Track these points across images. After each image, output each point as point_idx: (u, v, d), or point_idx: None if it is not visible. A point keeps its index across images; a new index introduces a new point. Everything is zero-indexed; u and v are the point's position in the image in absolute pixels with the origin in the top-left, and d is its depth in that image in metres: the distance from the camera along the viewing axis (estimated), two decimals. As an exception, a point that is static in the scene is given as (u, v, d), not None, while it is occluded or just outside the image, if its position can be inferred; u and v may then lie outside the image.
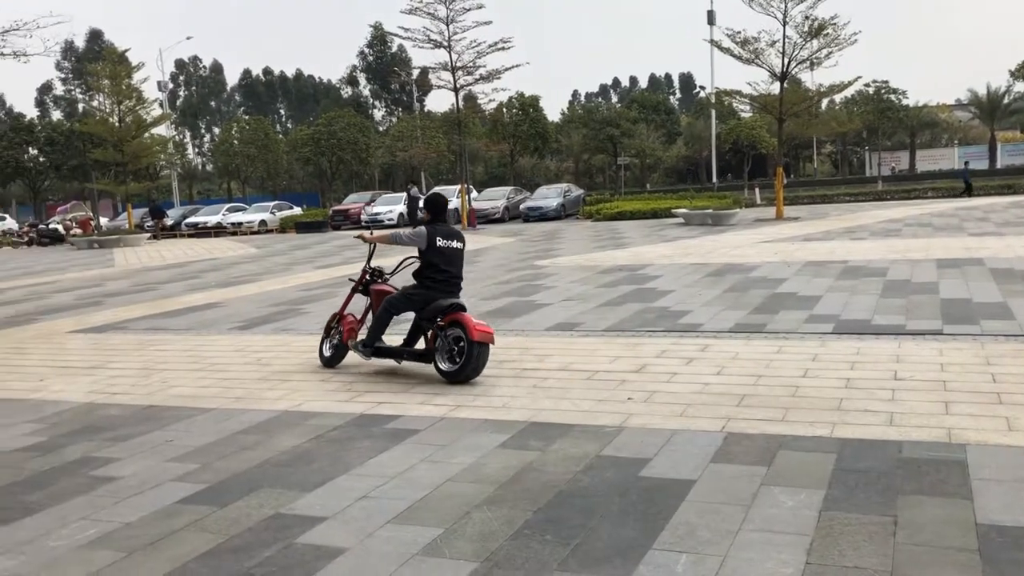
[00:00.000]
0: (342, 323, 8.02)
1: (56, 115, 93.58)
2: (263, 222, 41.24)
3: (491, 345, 7.07)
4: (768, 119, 45.51)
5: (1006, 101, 67.08)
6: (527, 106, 62.57)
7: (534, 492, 4.56)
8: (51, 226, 43.80)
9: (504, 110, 61.30)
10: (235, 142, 70.03)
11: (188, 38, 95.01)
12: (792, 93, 29.93)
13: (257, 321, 11.50)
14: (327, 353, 8.09)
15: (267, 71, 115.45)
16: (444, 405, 6.40)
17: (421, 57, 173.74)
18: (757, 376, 6.73)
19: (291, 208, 46.04)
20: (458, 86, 33.72)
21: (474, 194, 39.83)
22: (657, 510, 4.22)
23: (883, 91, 63.49)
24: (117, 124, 37.35)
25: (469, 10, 32.04)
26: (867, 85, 61.02)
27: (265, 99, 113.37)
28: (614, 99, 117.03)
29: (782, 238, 19.54)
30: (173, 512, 4.59)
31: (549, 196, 38.01)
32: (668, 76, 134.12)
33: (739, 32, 26.93)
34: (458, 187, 36.33)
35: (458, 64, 32.97)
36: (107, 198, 59.92)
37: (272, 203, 47.22)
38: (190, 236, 40.06)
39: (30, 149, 65.94)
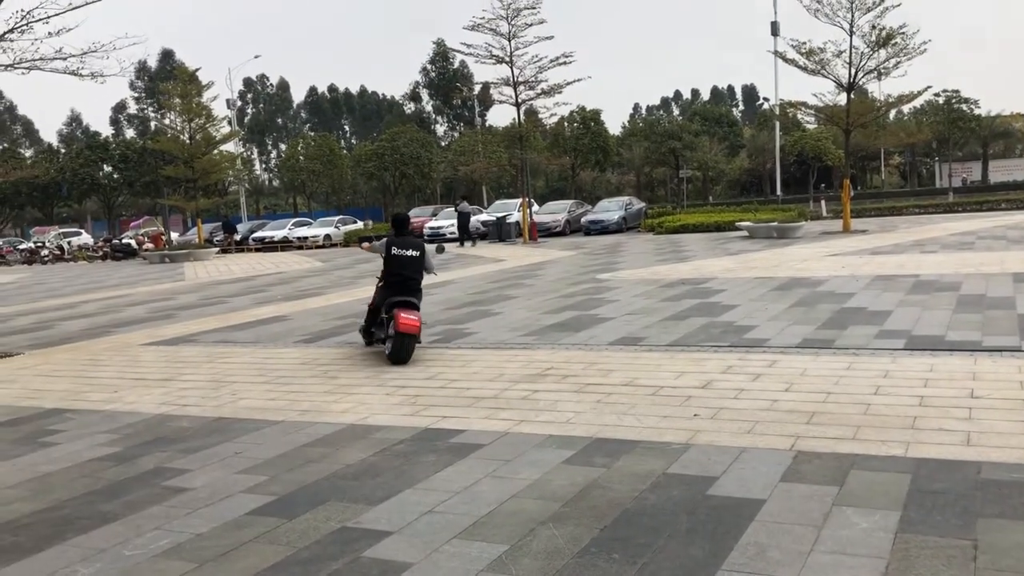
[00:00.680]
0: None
1: (130, 133, 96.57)
2: (328, 236, 41.87)
3: (417, 335, 8.81)
4: (834, 130, 44.78)
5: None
6: (588, 120, 62.58)
7: (600, 509, 4.52)
8: (124, 241, 45.07)
9: (565, 124, 61.40)
10: (301, 158, 71.32)
11: (256, 57, 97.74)
12: (859, 104, 29.38)
13: (323, 334, 11.66)
14: (364, 337, 9.94)
15: (332, 88, 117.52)
16: (508, 420, 6.40)
17: (483, 72, 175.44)
18: (827, 393, 6.59)
19: (355, 222, 46.67)
20: (520, 101, 33.83)
21: (535, 207, 39.88)
22: (725, 530, 4.15)
23: (954, 100, 62.00)
24: (188, 141, 38.36)
25: (531, 25, 32.18)
26: (937, 95, 59.71)
27: (330, 115, 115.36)
28: (676, 112, 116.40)
29: (849, 251, 19.15)
30: (243, 523, 4.66)
31: (610, 209, 37.88)
32: (731, 88, 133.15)
33: (804, 43, 26.54)
34: (519, 201, 36.43)
35: (520, 79, 33.10)
36: (177, 213, 61.56)
37: (336, 217, 47.92)
38: (257, 250, 40.89)
39: (105, 166, 68.20)
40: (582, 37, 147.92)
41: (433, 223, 38.36)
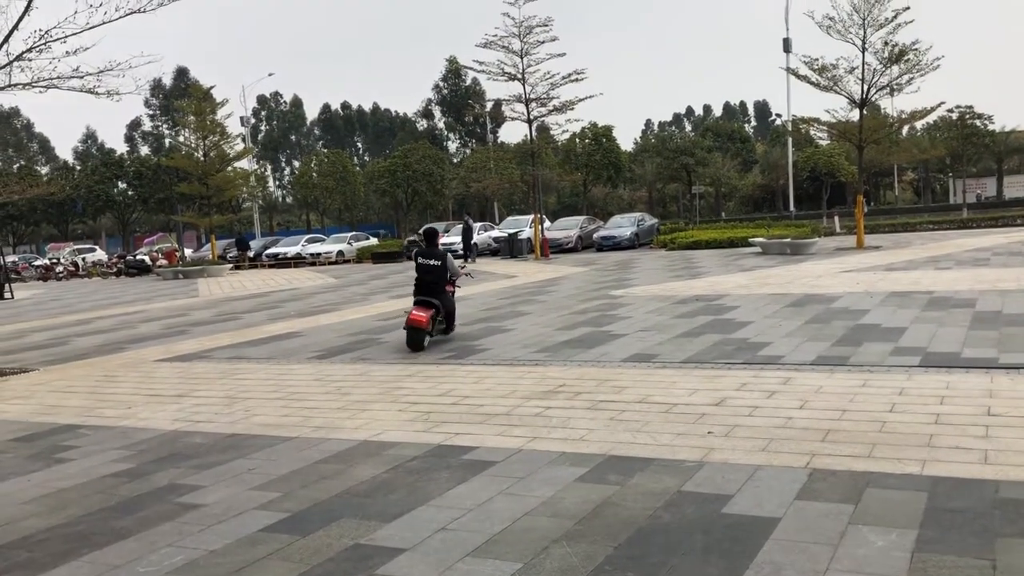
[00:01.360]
0: None
1: (144, 150, 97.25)
2: (340, 252, 42.01)
3: (424, 328, 11.04)
4: (847, 146, 44.66)
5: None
6: (600, 136, 62.62)
7: (614, 528, 4.50)
8: (138, 257, 45.33)
9: (577, 140, 61.49)
10: (314, 175, 71.66)
11: (270, 74, 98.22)
12: (871, 120, 29.29)
13: (336, 350, 11.68)
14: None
15: (345, 105, 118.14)
16: (521, 437, 6.39)
17: (495, 89, 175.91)
18: (842, 410, 6.55)
19: (368, 239, 46.81)
20: (532, 117, 33.97)
21: (547, 224, 39.91)
22: (741, 548, 4.13)
23: (967, 116, 61.72)
24: (202, 158, 38.65)
25: (543, 43, 32.34)
26: (950, 110, 59.37)
27: (343, 132, 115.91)
28: (688, 128, 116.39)
29: (864, 267, 19.07)
30: (257, 540, 4.66)
31: (623, 225, 37.89)
32: (743, 104, 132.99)
33: (816, 59, 26.52)
34: (531, 217, 36.48)
35: (532, 96, 33.24)
36: (191, 230, 61.91)
37: (349, 234, 48.10)
38: (270, 266, 41.05)
39: (119, 183, 68.69)
40: (594, 53, 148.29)
41: (444, 240, 38.44)
